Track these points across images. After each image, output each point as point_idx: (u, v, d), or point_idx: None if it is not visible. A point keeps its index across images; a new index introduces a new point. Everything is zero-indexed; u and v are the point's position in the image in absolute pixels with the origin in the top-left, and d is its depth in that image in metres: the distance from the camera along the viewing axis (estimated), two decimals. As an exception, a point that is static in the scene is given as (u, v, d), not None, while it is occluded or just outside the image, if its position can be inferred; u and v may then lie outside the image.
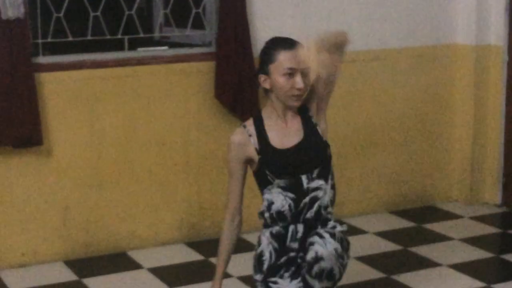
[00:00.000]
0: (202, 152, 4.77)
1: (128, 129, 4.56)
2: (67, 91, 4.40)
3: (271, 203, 3.20)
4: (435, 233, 4.99)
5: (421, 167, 5.49)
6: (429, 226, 5.12)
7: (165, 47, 4.80)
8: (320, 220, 3.19)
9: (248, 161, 3.20)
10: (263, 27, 4.80)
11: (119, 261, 4.48)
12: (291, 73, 3.10)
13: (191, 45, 4.87)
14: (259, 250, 3.23)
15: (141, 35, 4.73)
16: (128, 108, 4.55)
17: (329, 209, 3.21)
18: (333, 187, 3.23)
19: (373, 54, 5.24)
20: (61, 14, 4.42)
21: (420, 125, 5.49)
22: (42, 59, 4.33)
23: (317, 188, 3.18)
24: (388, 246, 4.73)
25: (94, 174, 4.50)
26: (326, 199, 3.19)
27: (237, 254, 4.66)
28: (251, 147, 3.17)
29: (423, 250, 4.67)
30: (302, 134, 3.21)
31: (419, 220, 5.21)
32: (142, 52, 4.65)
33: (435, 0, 5.40)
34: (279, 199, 3.19)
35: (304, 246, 3.17)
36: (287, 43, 3.17)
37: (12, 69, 4.17)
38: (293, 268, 3.20)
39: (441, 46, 5.46)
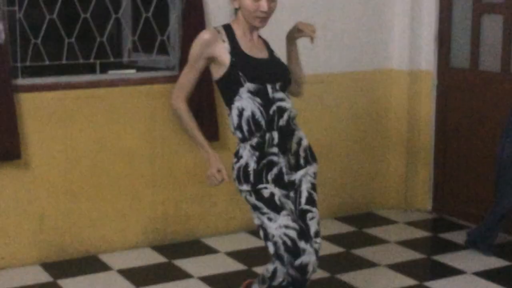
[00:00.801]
0: (166, 165, 4.82)
1: (99, 144, 4.58)
2: (43, 110, 4.42)
3: (242, 110, 3.19)
4: (374, 236, 5.08)
5: (361, 178, 5.60)
6: (368, 230, 5.20)
7: (133, 71, 4.84)
8: (290, 129, 3.23)
9: (212, 60, 3.17)
10: None
11: (90, 264, 4.51)
12: None
13: (156, 69, 4.92)
14: (243, 163, 3.20)
15: (112, 59, 4.77)
16: (99, 125, 4.57)
17: (295, 121, 3.28)
18: (291, 104, 3.29)
19: (319, 78, 5.31)
20: (39, 40, 4.43)
21: (360, 141, 5.60)
22: (21, 81, 4.34)
23: (281, 99, 3.21)
24: (333, 249, 4.81)
25: (68, 185, 4.53)
26: (293, 111, 3.26)
27: (197, 257, 4.84)
28: (221, 49, 3.16)
29: (363, 252, 4.76)
30: (267, 53, 3.27)
31: (360, 225, 5.31)
32: (112, 75, 4.68)
33: (374, 29, 5.52)
34: (249, 105, 3.18)
35: (283, 150, 3.20)
36: None
37: None
38: (273, 172, 3.19)
39: (379, 71, 5.56)
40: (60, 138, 4.51)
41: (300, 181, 3.27)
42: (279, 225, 3.13)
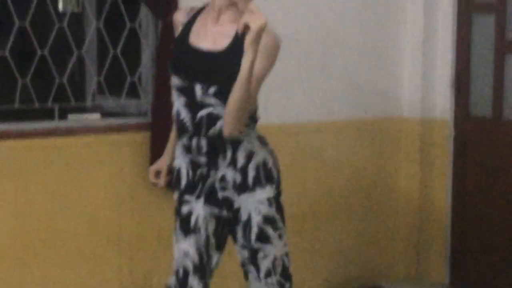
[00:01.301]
0: (136, 226, 4.68)
1: (56, 203, 4.41)
2: (-9, 162, 4.34)
3: (173, 103, 3.23)
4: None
5: (366, 245, 5.46)
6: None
7: (97, 115, 4.70)
8: (228, 141, 3.10)
9: None
10: None
11: None
12: None
13: (125, 115, 4.81)
14: (177, 164, 3.26)
15: (73, 103, 4.65)
16: (56, 180, 4.42)
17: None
18: None
19: (317, 126, 5.24)
20: None
21: (364, 199, 5.49)
22: None
23: (211, 105, 3.09)
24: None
25: (19, 251, 4.33)
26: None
27: None
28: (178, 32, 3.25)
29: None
30: (225, 45, 3.11)
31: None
32: (73, 121, 4.55)
33: (380, 73, 5.46)
34: (176, 101, 3.19)
35: (214, 162, 3.13)
36: None
37: None
38: (206, 187, 3.17)
39: (386, 118, 5.51)
40: (10, 195, 4.33)
41: (248, 212, 3.15)
42: (180, 250, 3.21)
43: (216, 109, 3.14)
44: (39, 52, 4.44)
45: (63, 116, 4.53)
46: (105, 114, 4.83)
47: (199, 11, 3.24)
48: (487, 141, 5.28)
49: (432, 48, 5.43)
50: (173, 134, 3.46)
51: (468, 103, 5.36)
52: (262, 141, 3.28)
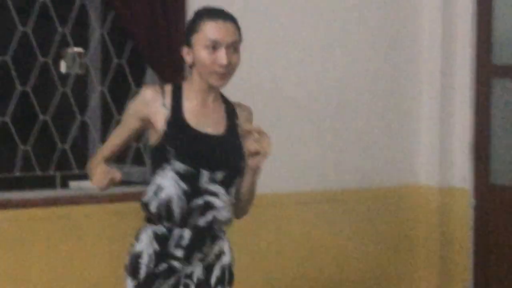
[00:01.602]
0: None
1: (58, 276, 4.38)
2: (-11, 233, 4.34)
3: (160, 189, 3.07)
4: None
5: None
6: None
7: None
8: (211, 234, 3.09)
9: (148, 124, 3.09)
10: None
11: None
12: (214, 46, 3.02)
13: (129, 183, 4.77)
14: (137, 249, 3.14)
15: (75, 171, 4.67)
16: (58, 252, 4.39)
17: (223, 227, 3.13)
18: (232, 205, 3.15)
19: (329, 195, 5.21)
20: None
21: (381, 275, 5.46)
22: None
23: (214, 194, 3.07)
24: None
25: None
26: (224, 214, 3.10)
27: None
28: (159, 114, 3.07)
29: None
30: (223, 128, 3.12)
31: None
32: (75, 190, 4.57)
33: (395, 138, 5.45)
34: (171, 186, 3.07)
35: (190, 257, 3.09)
36: (215, 13, 3.10)
37: None
38: (171, 282, 3.10)
39: (402, 187, 5.49)
40: (10, 268, 4.31)
41: None
42: None
43: (215, 199, 3.11)
44: (41, 117, 4.47)
45: (65, 183, 4.56)
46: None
47: (176, 89, 3.19)
48: (510, 210, 5.27)
49: (449, 113, 5.44)
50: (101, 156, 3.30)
51: (488, 171, 5.36)
52: (227, 240, 3.27)
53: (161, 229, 3.10)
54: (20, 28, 4.41)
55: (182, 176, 3.05)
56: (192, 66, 3.09)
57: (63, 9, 4.60)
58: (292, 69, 5.12)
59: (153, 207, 3.10)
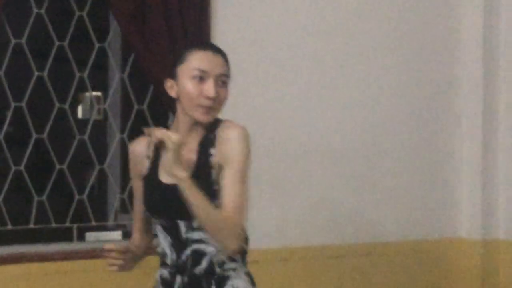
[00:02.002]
0: None
1: None
2: (2, 288, 4.28)
3: (157, 237, 3.13)
4: None
5: None
6: None
7: (118, 233, 4.74)
8: (215, 279, 3.04)
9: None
10: None
11: None
12: (202, 77, 2.98)
13: (153, 235, 4.59)
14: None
15: (93, 223, 4.69)
16: None
17: (229, 265, 3.06)
18: None
19: (365, 249, 5.21)
20: (0, 199, 4.35)
21: None
22: None
23: (199, 241, 3.02)
24: None
25: None
26: (220, 256, 3.03)
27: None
28: (144, 167, 3.10)
29: None
30: (193, 167, 3.04)
31: None
32: (93, 242, 4.58)
33: (435, 188, 5.47)
34: (161, 240, 3.10)
35: None
36: (205, 44, 3.12)
37: None
38: None
39: (443, 240, 5.46)
40: None
41: None
42: None
43: (202, 245, 3.06)
44: (57, 166, 4.51)
45: (82, 236, 4.59)
46: (128, 233, 4.73)
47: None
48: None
49: (492, 162, 5.46)
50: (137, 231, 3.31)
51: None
52: (251, 280, 3.20)
53: (165, 272, 3.11)
54: (36, 72, 4.44)
55: (166, 228, 3.07)
56: (176, 101, 3.05)
57: (81, 52, 4.65)
58: (326, 116, 5.14)
59: (159, 249, 3.13)
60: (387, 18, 5.36)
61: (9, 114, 4.43)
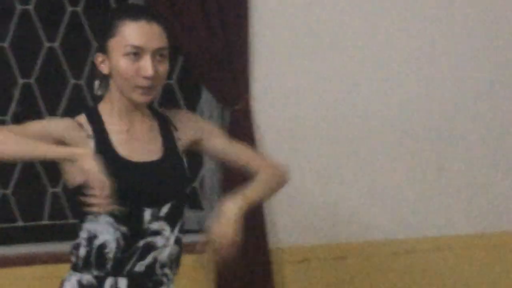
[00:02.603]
0: None
1: None
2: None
3: (93, 236, 3.08)
4: None
5: None
6: None
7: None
8: (152, 280, 3.13)
9: (64, 164, 3.05)
10: (281, 206, 4.81)
11: None
12: (136, 53, 3.00)
13: (185, 231, 4.51)
14: None
15: None
16: None
17: (167, 270, 3.17)
18: (178, 241, 3.18)
19: (434, 243, 5.14)
20: (8, 191, 4.33)
21: None
22: None
23: (156, 233, 3.11)
24: None
25: None
26: (165, 254, 3.15)
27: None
28: (81, 145, 3.06)
29: None
30: (161, 151, 3.15)
31: None
32: None
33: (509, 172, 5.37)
34: (106, 234, 3.08)
35: None
36: (137, 12, 3.11)
37: None
38: None
39: None
40: None
41: None
42: None
43: (158, 238, 3.15)
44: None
45: None
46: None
47: (92, 115, 3.21)
48: None
49: None
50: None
51: None
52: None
53: (87, 277, 3.09)
54: (46, 43, 4.54)
55: (120, 219, 3.05)
56: (108, 78, 3.10)
57: (98, 19, 4.36)
58: (385, 95, 5.12)
59: (82, 252, 3.07)
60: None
61: (17, 92, 4.44)
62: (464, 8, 5.29)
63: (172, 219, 3.15)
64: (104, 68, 3.05)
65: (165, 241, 3.13)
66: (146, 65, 2.99)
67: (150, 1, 4.61)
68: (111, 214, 3.02)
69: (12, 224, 4.39)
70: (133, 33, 3.01)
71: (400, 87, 5.17)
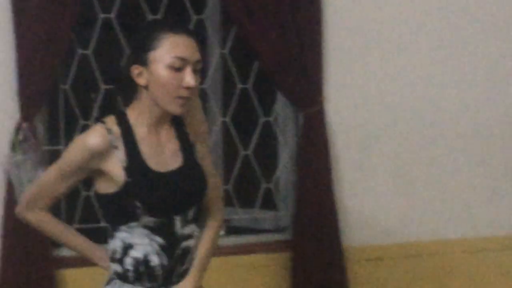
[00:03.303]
0: None
1: None
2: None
3: (128, 247, 3.08)
4: None
5: None
6: None
7: (222, 233, 4.74)
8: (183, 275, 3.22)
9: (95, 174, 3.09)
10: (353, 205, 4.87)
11: None
12: (179, 67, 3.01)
13: (258, 231, 4.89)
14: None
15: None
16: None
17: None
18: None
19: (506, 242, 5.20)
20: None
21: None
22: (65, 251, 4.34)
23: (189, 236, 3.14)
24: None
25: None
26: (194, 251, 3.24)
27: None
28: (113, 160, 3.05)
29: None
30: (181, 157, 3.15)
31: None
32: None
33: None
34: (143, 245, 3.08)
35: None
36: (176, 25, 3.11)
37: (27, 262, 4.38)
38: None
39: None
40: None
41: None
42: None
43: (189, 241, 3.18)
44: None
45: None
46: (233, 230, 4.95)
47: (121, 125, 3.17)
48: None
49: None
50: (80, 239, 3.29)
51: None
52: None
53: None
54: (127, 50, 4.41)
55: (154, 229, 3.08)
56: (142, 90, 3.09)
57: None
58: (453, 96, 5.13)
59: (128, 266, 3.11)
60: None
61: (99, 98, 4.50)
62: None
63: (198, 220, 3.22)
64: (141, 80, 3.07)
65: (196, 242, 3.22)
66: (189, 76, 3.04)
67: (225, 6, 4.66)
68: (145, 226, 3.08)
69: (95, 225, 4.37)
70: (177, 45, 3.06)
71: (472, 87, 5.20)
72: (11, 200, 4.39)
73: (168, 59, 3.01)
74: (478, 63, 5.26)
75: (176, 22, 3.18)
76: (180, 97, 3.03)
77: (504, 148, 5.28)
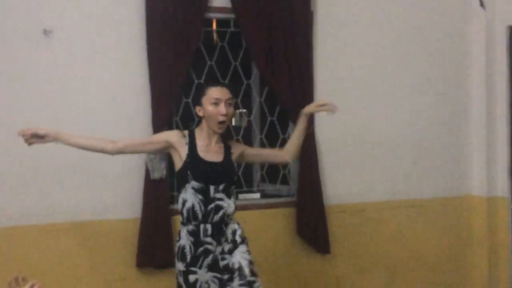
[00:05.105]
0: (289, 275, 5.95)
1: None
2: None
3: (184, 201, 3.86)
4: None
5: None
6: None
7: (257, 195, 5.98)
8: (224, 223, 3.95)
9: (171, 149, 3.77)
10: (332, 184, 6.03)
11: None
12: (216, 103, 3.85)
13: (279, 196, 6.07)
14: (181, 244, 3.89)
15: (244, 188, 6.07)
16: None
17: (230, 216, 3.99)
18: (234, 202, 4.01)
19: (410, 203, 6.39)
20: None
21: (444, 261, 6.51)
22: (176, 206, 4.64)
23: (220, 199, 3.90)
24: None
25: None
26: (230, 210, 3.96)
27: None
28: (183, 148, 3.83)
29: None
30: (222, 157, 3.94)
31: None
32: (244, 200, 5.89)
33: (454, 162, 6.55)
34: (191, 198, 3.84)
35: (218, 240, 3.92)
36: (216, 81, 3.89)
37: (157, 213, 5.36)
38: (209, 259, 3.85)
39: (460, 197, 6.58)
40: None
41: (239, 262, 4.05)
42: None
43: (222, 202, 3.88)
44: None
45: (236, 197, 5.50)
46: (265, 195, 6.13)
47: (191, 134, 3.86)
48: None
49: (493, 142, 6.46)
50: (84, 139, 3.87)
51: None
52: (237, 222, 4.16)
53: (190, 227, 3.92)
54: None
55: (197, 190, 3.87)
56: (202, 118, 3.88)
57: (236, 86, 5.86)
58: (384, 114, 6.22)
59: (184, 213, 3.91)
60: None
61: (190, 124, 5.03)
62: None
63: (227, 192, 3.96)
64: (200, 113, 3.83)
65: (226, 204, 3.96)
66: (222, 109, 3.79)
67: (261, 72, 5.56)
68: (193, 187, 3.84)
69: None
70: (215, 92, 3.87)
71: (396, 113, 6.47)
72: (148, 179, 5.33)
73: (210, 100, 3.93)
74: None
75: (214, 79, 4.09)
76: (219, 122, 3.92)
77: (409, 148, 6.44)
